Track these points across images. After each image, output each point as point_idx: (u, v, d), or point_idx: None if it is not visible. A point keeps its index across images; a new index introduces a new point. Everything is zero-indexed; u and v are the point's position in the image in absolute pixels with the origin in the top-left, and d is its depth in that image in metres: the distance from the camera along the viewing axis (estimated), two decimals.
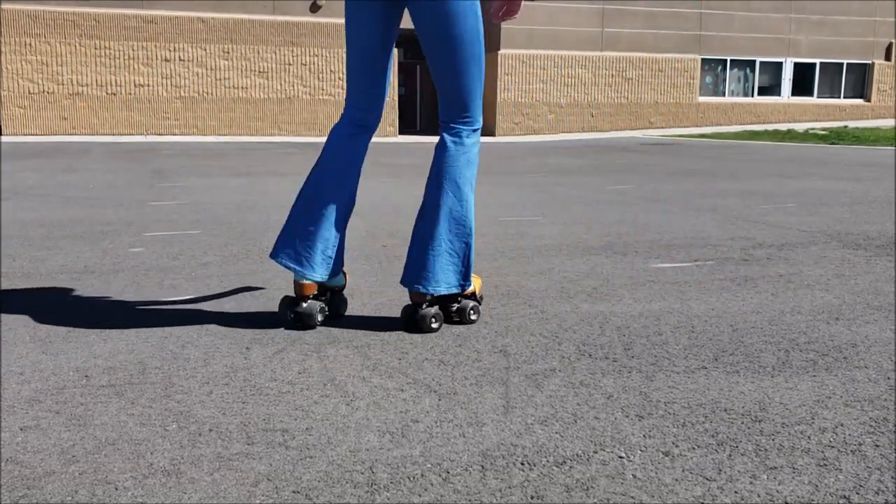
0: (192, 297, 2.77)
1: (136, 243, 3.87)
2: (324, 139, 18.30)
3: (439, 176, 2.33)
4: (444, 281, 2.32)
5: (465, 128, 2.35)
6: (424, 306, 2.34)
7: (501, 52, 20.46)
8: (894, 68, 24.09)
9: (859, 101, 24.14)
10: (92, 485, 1.38)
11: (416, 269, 2.33)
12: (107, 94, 18.08)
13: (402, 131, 20.40)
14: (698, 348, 2.19)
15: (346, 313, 2.55)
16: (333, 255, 2.38)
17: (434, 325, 2.33)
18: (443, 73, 2.31)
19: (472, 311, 2.43)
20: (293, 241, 2.36)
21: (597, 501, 1.33)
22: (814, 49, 23.31)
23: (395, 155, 12.15)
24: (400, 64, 20.52)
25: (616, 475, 1.43)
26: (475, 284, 2.49)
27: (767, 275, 3.19)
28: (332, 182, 2.37)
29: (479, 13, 2.27)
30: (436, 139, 19.18)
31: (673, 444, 1.56)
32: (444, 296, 2.42)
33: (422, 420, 1.67)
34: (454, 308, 2.42)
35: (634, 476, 1.42)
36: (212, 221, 4.64)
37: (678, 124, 22.39)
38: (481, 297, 2.56)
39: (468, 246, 2.36)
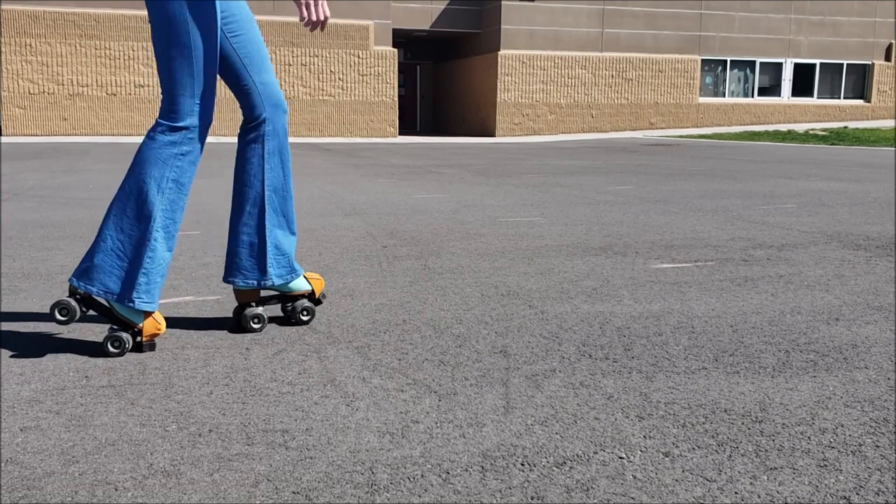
0: (191, 297, 2.77)
1: None
2: (324, 139, 18.32)
3: (130, 167, 2.13)
4: (100, 282, 2.08)
5: (164, 122, 2.10)
6: (253, 304, 2.33)
7: (501, 52, 20.47)
8: (894, 69, 24.10)
9: (859, 102, 24.14)
10: (92, 485, 1.38)
11: (82, 260, 2.14)
12: (107, 94, 18.08)
13: (401, 132, 20.40)
14: (698, 349, 2.19)
15: (347, 313, 2.54)
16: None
17: (255, 326, 2.32)
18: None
19: (303, 312, 2.40)
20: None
21: (597, 502, 1.33)
22: (814, 49, 23.32)
23: (395, 156, 12.15)
24: (400, 64, 20.53)
25: (616, 476, 1.43)
26: (314, 286, 2.43)
27: (767, 275, 3.19)
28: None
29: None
30: (436, 140, 19.22)
31: (673, 444, 1.56)
32: (278, 295, 2.41)
33: (422, 421, 1.67)
34: (288, 308, 2.42)
35: (634, 477, 1.42)
36: (212, 222, 4.64)
37: (678, 125, 22.39)
38: (322, 297, 2.48)
39: (139, 253, 2.09)
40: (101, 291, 2.08)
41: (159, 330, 2.14)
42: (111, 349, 2.09)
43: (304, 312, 2.40)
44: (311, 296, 2.43)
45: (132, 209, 2.09)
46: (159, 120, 2.10)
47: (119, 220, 2.09)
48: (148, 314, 2.13)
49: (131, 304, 2.08)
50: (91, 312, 2.52)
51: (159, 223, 2.10)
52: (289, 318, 2.42)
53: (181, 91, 2.08)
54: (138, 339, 2.13)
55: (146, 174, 2.08)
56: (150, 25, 2.09)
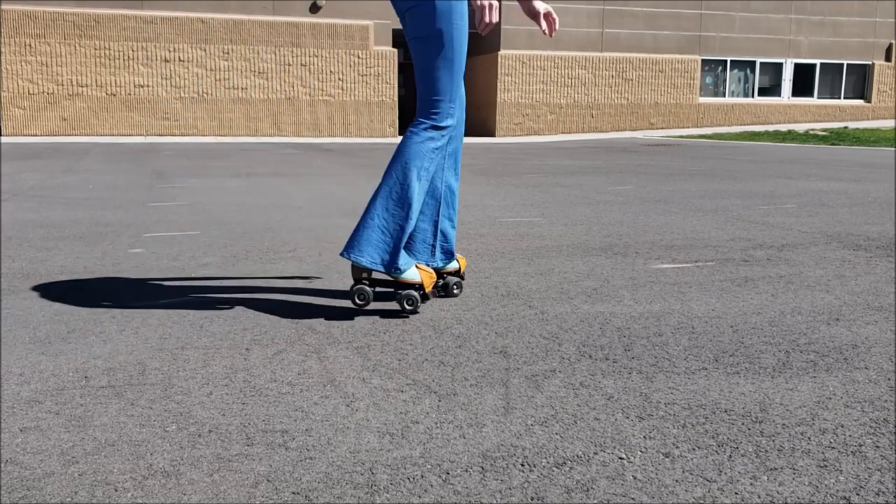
0: (193, 298, 2.77)
1: (135, 244, 3.87)
2: (323, 139, 18.32)
3: (392, 158, 2.49)
4: (368, 254, 2.46)
5: (426, 121, 2.48)
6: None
7: (501, 52, 20.47)
8: (894, 69, 24.09)
9: (859, 102, 24.14)
10: (91, 486, 1.37)
11: (349, 238, 2.50)
12: (106, 94, 18.08)
13: (401, 132, 20.40)
14: (698, 349, 2.19)
15: (346, 313, 2.54)
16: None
17: (456, 291, 2.73)
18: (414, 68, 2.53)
19: (455, 287, 2.77)
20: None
21: (597, 502, 1.33)
22: (814, 50, 23.31)
23: None
24: (400, 65, 20.52)
25: (616, 476, 1.42)
26: (460, 263, 2.77)
27: (768, 275, 3.19)
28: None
29: (453, 17, 2.41)
30: None
31: (673, 445, 1.56)
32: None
33: (422, 421, 1.67)
34: (439, 283, 2.75)
35: (635, 477, 1.42)
36: (212, 222, 4.64)
37: (678, 125, 22.39)
38: (463, 276, 2.81)
39: (402, 230, 2.46)
40: (371, 263, 2.46)
41: (433, 277, 2.56)
42: (406, 306, 2.49)
43: (457, 287, 2.78)
44: (457, 272, 2.78)
45: (396, 193, 2.47)
46: (422, 119, 2.48)
47: (385, 202, 2.46)
48: (410, 278, 2.48)
49: (397, 273, 2.47)
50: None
51: (417, 204, 2.49)
52: (437, 292, 2.77)
53: (443, 97, 2.47)
54: (422, 292, 2.52)
55: (410, 165, 2.47)
56: (413, 41, 2.46)
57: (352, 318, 2.49)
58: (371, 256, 2.46)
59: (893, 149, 14.31)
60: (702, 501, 1.34)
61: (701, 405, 1.77)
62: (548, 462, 1.48)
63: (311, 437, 1.59)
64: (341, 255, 2.48)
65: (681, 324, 2.45)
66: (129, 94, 18.20)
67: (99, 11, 17.75)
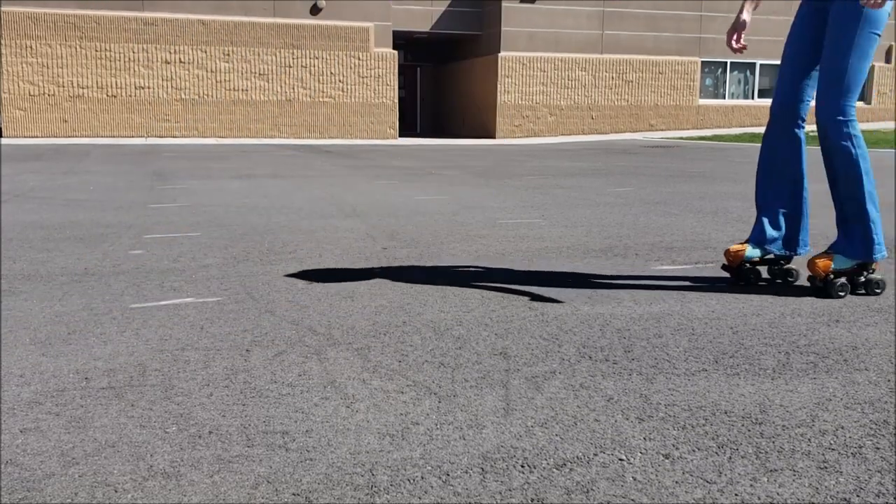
0: (192, 299, 2.77)
1: (136, 245, 3.87)
2: (323, 141, 18.32)
3: (855, 169, 2.85)
4: (879, 248, 2.81)
5: (844, 118, 2.79)
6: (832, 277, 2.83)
7: (501, 54, 20.48)
8: (894, 71, 24.11)
9: (859, 104, 24.13)
10: (92, 487, 1.38)
11: (849, 241, 2.86)
12: (107, 96, 18.09)
13: (401, 134, 20.41)
14: (698, 350, 2.19)
15: (347, 315, 2.55)
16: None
17: (841, 294, 2.81)
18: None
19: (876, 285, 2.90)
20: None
21: None
22: None
23: (396, 157, 12.15)
24: (400, 66, 20.53)
25: (616, 478, 1.43)
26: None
27: (767, 277, 3.19)
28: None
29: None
30: (436, 142, 19.22)
31: (673, 446, 1.56)
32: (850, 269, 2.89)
33: (422, 422, 1.67)
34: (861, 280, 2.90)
35: (634, 479, 1.42)
36: (212, 223, 4.64)
37: (678, 127, 22.40)
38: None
39: (877, 221, 2.81)
40: (880, 255, 2.80)
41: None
42: (876, 290, 2.86)
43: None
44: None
45: (873, 193, 2.83)
46: (841, 119, 2.75)
47: (873, 199, 2.82)
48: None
49: (879, 257, 2.81)
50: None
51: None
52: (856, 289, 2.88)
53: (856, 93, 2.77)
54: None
55: (868, 167, 2.85)
56: (837, 44, 2.71)
57: (352, 320, 2.50)
58: (863, 252, 2.83)
59: (893, 150, 14.32)
60: (702, 503, 1.34)
61: (701, 406, 1.77)
62: (548, 463, 1.48)
63: (311, 438, 1.59)
64: (875, 258, 2.82)
65: (681, 325, 2.45)
66: (130, 96, 18.22)
67: (100, 13, 17.77)
